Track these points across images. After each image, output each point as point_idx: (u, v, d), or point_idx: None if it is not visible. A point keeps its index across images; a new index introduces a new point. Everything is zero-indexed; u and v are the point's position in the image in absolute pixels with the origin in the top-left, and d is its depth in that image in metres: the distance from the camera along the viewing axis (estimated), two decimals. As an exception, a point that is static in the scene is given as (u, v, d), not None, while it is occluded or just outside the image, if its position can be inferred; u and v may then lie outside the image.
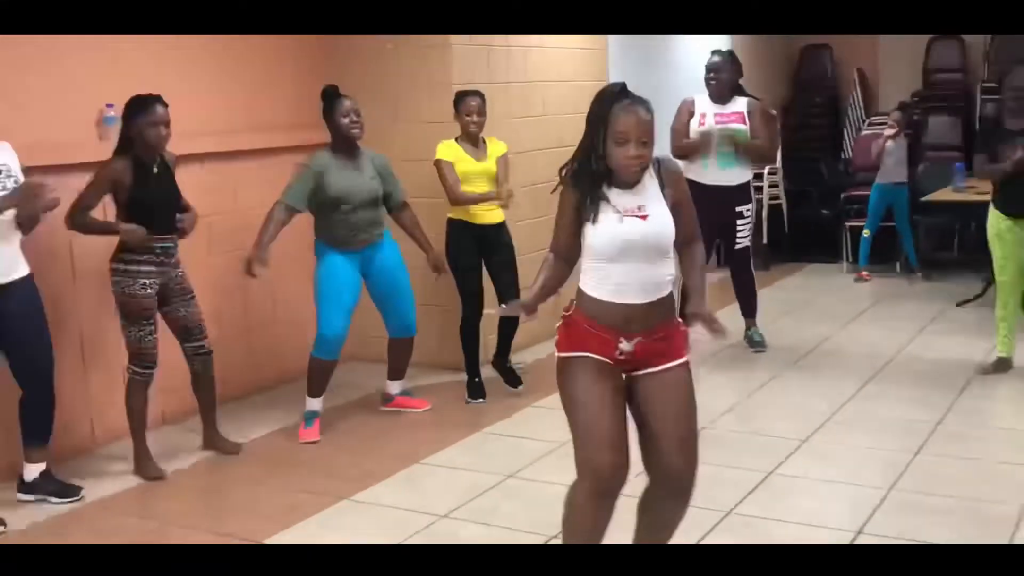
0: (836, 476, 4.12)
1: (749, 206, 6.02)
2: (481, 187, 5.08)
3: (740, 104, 5.91)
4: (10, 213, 3.86)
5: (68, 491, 4.16)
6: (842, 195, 8.51)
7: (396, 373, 5.15)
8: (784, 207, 8.82)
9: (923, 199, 7.55)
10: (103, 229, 4.26)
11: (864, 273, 8.03)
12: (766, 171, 8.50)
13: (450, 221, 5.20)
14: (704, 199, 5.88)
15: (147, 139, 4.18)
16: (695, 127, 5.87)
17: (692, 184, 5.81)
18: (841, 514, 3.74)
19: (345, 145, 4.74)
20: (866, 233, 7.97)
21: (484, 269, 5.28)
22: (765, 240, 8.64)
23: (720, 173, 5.86)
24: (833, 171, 8.94)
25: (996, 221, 5.11)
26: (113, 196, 4.23)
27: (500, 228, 5.22)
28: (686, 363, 2.87)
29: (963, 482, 3.99)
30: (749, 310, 6.21)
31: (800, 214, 8.89)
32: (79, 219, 4.20)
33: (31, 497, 4.12)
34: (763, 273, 8.44)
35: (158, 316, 4.37)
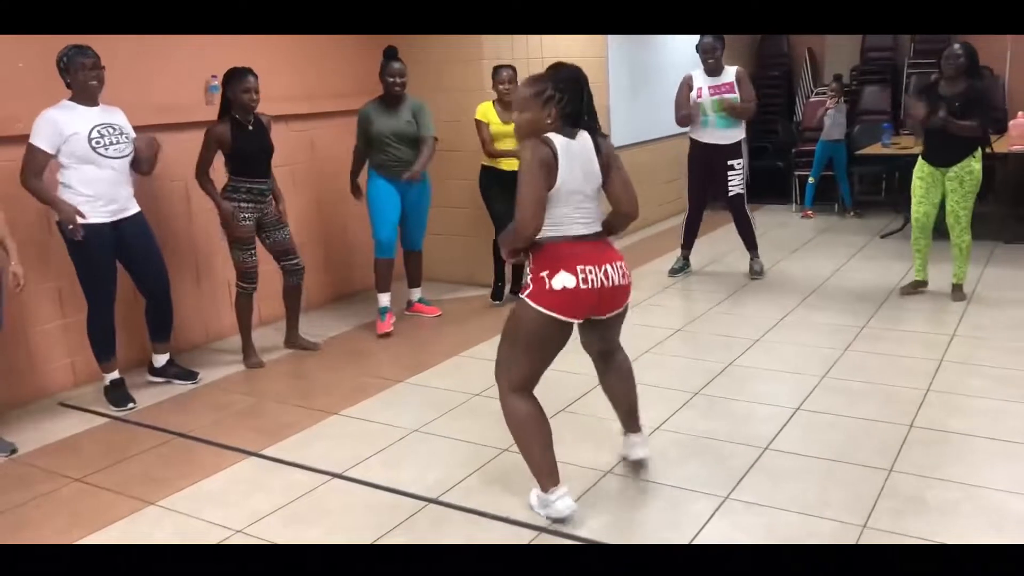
0: (782, 367, 4.18)
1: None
2: (508, 143, 5.10)
3: (730, 74, 5.77)
4: (127, 162, 3.92)
5: (189, 374, 4.31)
6: (793, 150, 8.43)
7: (413, 281, 5.28)
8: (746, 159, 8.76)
9: (857, 152, 7.49)
10: (213, 199, 4.31)
11: (808, 212, 8.00)
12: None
13: (482, 168, 5.26)
14: (702, 154, 5.98)
15: (241, 102, 4.21)
16: (693, 98, 5.78)
17: (694, 143, 5.94)
18: (785, 394, 3.82)
19: (389, 97, 4.84)
20: (811, 180, 7.92)
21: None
22: (730, 186, 8.61)
23: (716, 133, 5.80)
24: (787, 130, 8.84)
25: (920, 167, 5.09)
26: (220, 150, 4.29)
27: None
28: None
29: (881, 372, 4.06)
30: (750, 245, 6.08)
31: (759, 165, 8.81)
32: (202, 179, 4.30)
33: (160, 379, 4.27)
34: (729, 212, 8.46)
35: (257, 242, 4.44)
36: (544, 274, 2.69)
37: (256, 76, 4.24)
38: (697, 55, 5.81)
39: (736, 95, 5.74)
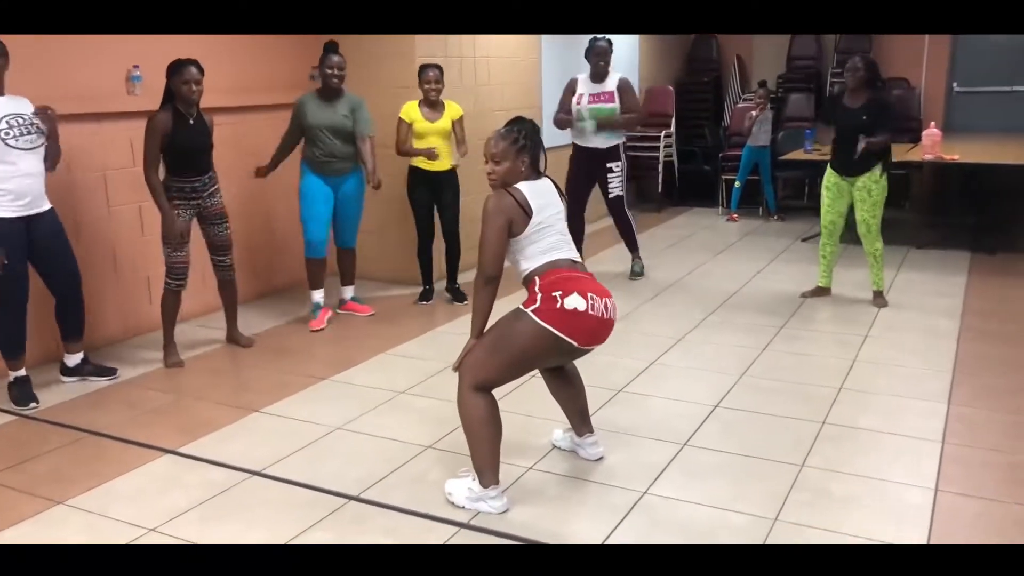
0: (702, 365, 4.28)
1: (618, 163, 5.94)
2: (435, 142, 5.12)
3: (612, 83, 5.76)
4: (39, 154, 3.78)
5: (106, 371, 4.18)
6: (720, 154, 8.63)
7: (347, 279, 5.21)
8: (675, 163, 8.94)
9: (780, 158, 7.71)
10: (159, 203, 4.17)
11: (734, 215, 8.19)
12: (662, 135, 8.58)
13: (410, 168, 5.26)
14: (581, 158, 6.07)
15: (182, 94, 4.10)
16: (574, 104, 5.82)
17: (575, 147, 6.03)
18: (704, 392, 3.91)
19: (326, 90, 4.78)
20: (737, 184, 8.12)
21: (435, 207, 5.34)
22: (660, 189, 8.76)
23: (594, 138, 5.84)
24: (714, 135, 9.04)
25: (828, 176, 5.26)
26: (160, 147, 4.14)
27: (450, 174, 5.27)
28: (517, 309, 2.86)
29: (796, 371, 4.19)
30: (632, 246, 6.18)
31: (687, 168, 9.01)
32: (151, 176, 4.13)
33: (73, 379, 4.12)
34: (656, 215, 8.62)
35: (192, 239, 4.31)
36: (557, 293, 2.76)
37: (200, 68, 4.14)
38: (590, 59, 5.77)
39: (615, 104, 5.75)
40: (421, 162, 5.19)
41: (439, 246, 5.45)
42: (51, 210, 3.89)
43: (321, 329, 4.88)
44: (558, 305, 2.75)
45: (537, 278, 2.85)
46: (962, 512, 2.88)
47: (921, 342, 4.56)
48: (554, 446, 3.38)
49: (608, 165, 5.93)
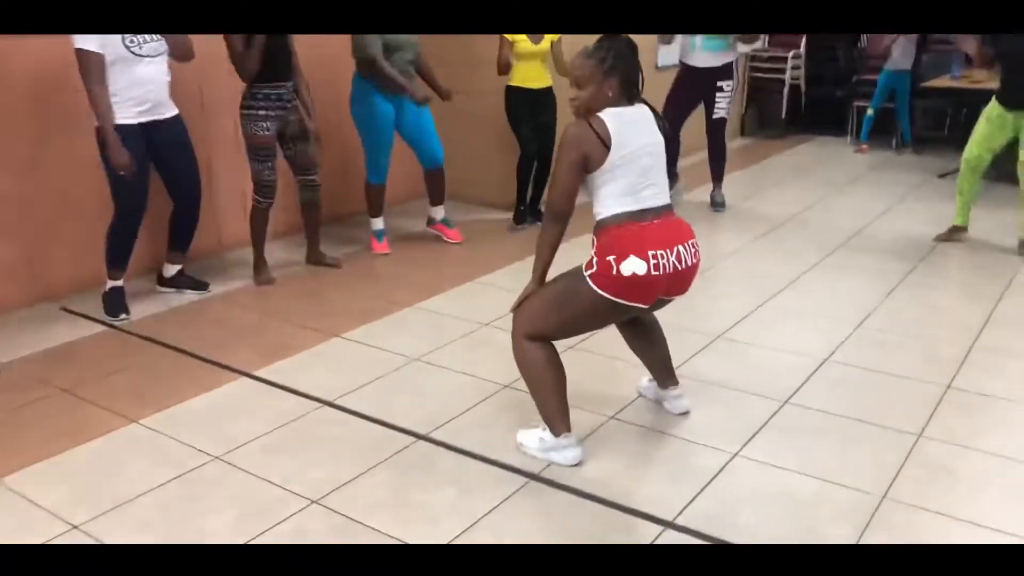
0: (815, 311, 3.86)
1: (730, 82, 5.48)
2: (535, 64, 4.84)
3: None
4: (163, 61, 3.70)
5: (199, 285, 4.16)
6: (853, 79, 7.82)
7: (436, 199, 4.92)
8: (803, 87, 8.19)
9: (923, 84, 6.90)
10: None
11: (863, 146, 7.45)
12: (790, 55, 7.85)
13: (507, 88, 4.96)
14: (692, 77, 5.55)
15: None
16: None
17: (683, 66, 5.50)
18: (815, 343, 3.51)
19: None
20: (869, 112, 7.35)
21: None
22: (784, 115, 8.07)
23: (705, 56, 5.37)
24: (848, 58, 8.18)
25: (992, 107, 4.57)
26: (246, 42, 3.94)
27: (548, 92, 4.95)
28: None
29: (921, 324, 3.72)
30: (718, 175, 5.74)
31: (816, 93, 8.24)
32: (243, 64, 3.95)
33: (170, 289, 4.12)
34: (779, 142, 7.97)
35: (278, 152, 4.19)
36: (611, 258, 2.45)
37: None
38: None
39: None
40: (519, 81, 4.88)
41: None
42: (176, 116, 3.83)
43: (387, 253, 4.72)
44: (614, 271, 2.44)
45: (597, 235, 2.52)
46: (1112, 506, 2.46)
47: (1074, 300, 3.97)
48: (640, 394, 3.11)
49: (719, 83, 5.46)
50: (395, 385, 3.21)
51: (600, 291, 2.47)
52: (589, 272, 2.49)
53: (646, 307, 2.58)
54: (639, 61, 2.56)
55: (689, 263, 2.55)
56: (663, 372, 2.98)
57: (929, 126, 7.78)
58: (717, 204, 5.72)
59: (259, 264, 4.31)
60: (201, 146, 4.48)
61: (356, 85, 4.51)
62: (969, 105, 6.59)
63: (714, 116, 5.58)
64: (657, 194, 2.58)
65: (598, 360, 3.31)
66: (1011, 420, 2.92)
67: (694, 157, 6.49)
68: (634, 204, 2.53)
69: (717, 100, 5.51)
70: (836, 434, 2.84)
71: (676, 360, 3.15)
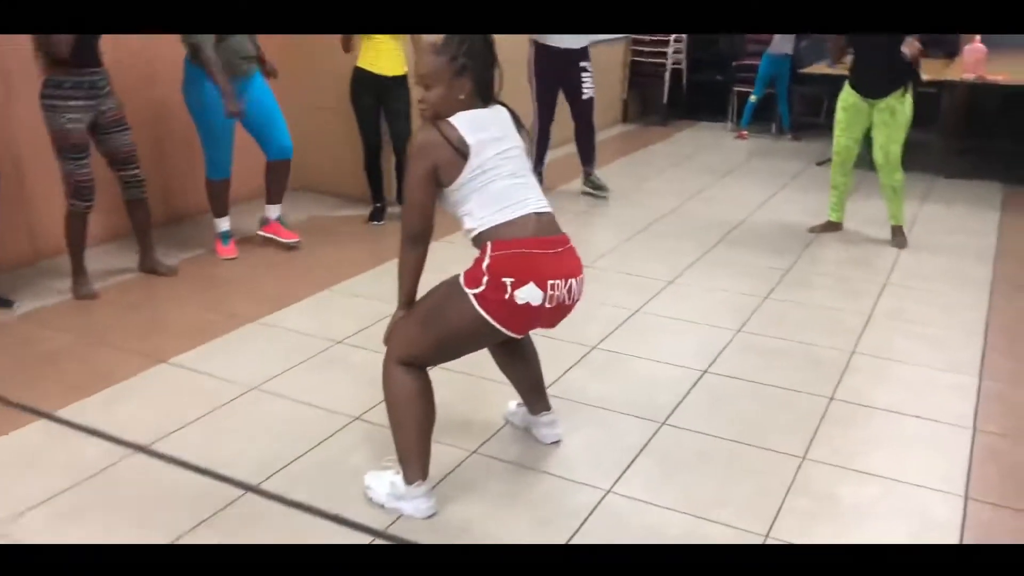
0: (694, 316, 3.62)
1: (589, 63, 5.29)
2: (388, 45, 4.43)
3: None
4: None
5: (1, 302, 3.56)
6: (733, 63, 7.72)
7: (275, 197, 4.35)
8: (684, 72, 8.04)
9: (800, 71, 6.84)
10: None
11: (743, 133, 7.36)
12: (671, 39, 7.67)
13: (355, 69, 4.52)
14: (551, 60, 5.22)
15: None
16: None
17: (542, 48, 5.17)
18: (694, 352, 3.27)
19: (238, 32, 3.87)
20: (752, 98, 7.22)
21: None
22: (665, 100, 7.90)
23: (564, 39, 5.11)
24: (728, 42, 8.07)
25: (845, 96, 4.46)
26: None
27: (400, 80, 4.52)
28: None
29: (802, 326, 3.53)
30: (589, 158, 5.51)
31: (698, 79, 8.11)
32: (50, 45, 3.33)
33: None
34: (660, 128, 7.80)
35: (92, 148, 3.60)
36: (508, 281, 2.09)
37: None
38: None
39: None
40: (367, 63, 4.44)
41: (390, 159, 4.77)
42: None
43: (234, 257, 4.21)
44: (507, 296, 2.09)
45: (490, 246, 2.14)
46: (996, 528, 2.30)
47: (948, 293, 3.89)
48: (507, 421, 2.78)
49: (582, 64, 5.24)
50: (226, 422, 2.76)
51: (484, 313, 2.11)
52: (475, 291, 2.11)
53: (518, 336, 2.26)
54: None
55: (575, 299, 2.24)
56: (534, 395, 2.66)
57: (807, 112, 7.78)
58: (598, 187, 5.49)
59: (78, 275, 3.73)
60: (6, 136, 3.86)
61: (186, 69, 3.95)
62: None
63: (583, 96, 5.31)
64: (536, 199, 2.24)
65: (459, 380, 2.95)
66: (895, 434, 2.74)
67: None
68: (513, 212, 2.17)
69: (584, 80, 5.26)
70: (716, 461, 2.58)
71: (548, 376, 2.84)
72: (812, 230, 4.77)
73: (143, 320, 3.54)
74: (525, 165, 2.26)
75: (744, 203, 5.36)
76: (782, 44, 6.99)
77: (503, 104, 2.28)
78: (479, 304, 2.11)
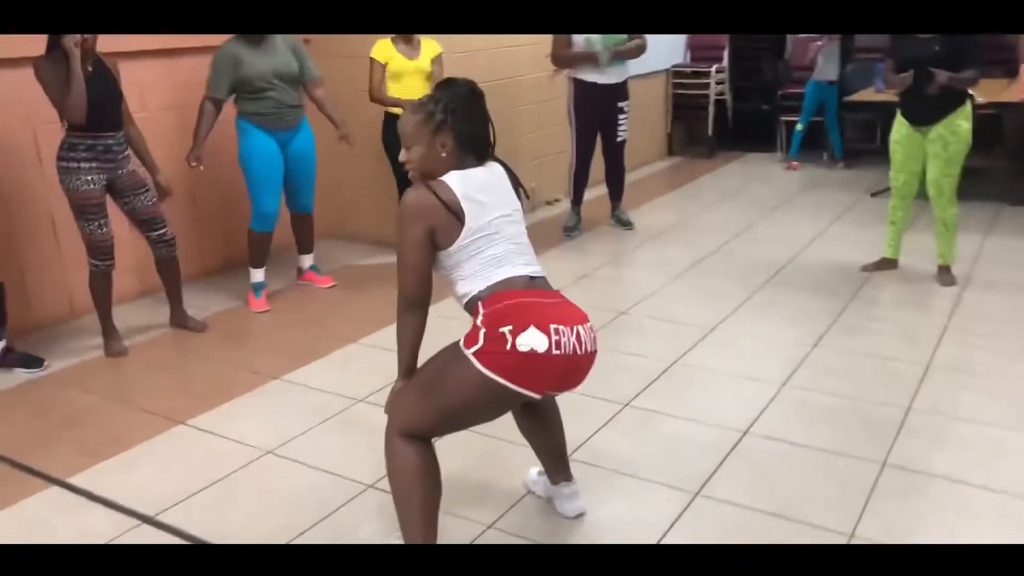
0: (735, 369, 3.38)
1: (628, 102, 5.17)
2: (415, 83, 4.28)
3: None
4: None
5: (31, 361, 3.53)
6: (779, 92, 7.46)
7: (305, 247, 4.42)
8: (729, 102, 7.81)
9: (846, 99, 6.54)
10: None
11: (794, 163, 7.09)
12: (713, 69, 7.45)
13: (385, 115, 4.42)
14: (592, 96, 5.05)
15: (66, 44, 3.25)
16: (578, 39, 4.91)
17: (580, 83, 5.00)
18: (733, 409, 3.03)
19: (253, 34, 3.87)
20: (799, 127, 6.99)
21: None
22: (711, 132, 7.68)
23: (605, 74, 4.98)
24: (773, 69, 7.80)
25: (898, 127, 4.19)
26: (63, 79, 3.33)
27: None
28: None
29: (853, 380, 3.26)
30: (618, 195, 5.45)
31: (743, 108, 7.87)
32: (66, 101, 3.31)
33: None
34: (707, 161, 7.57)
35: (110, 209, 3.56)
36: (506, 330, 1.93)
37: None
38: None
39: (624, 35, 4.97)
40: (397, 109, 4.35)
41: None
42: None
43: (267, 311, 4.15)
44: (508, 346, 1.92)
45: (480, 304, 2.01)
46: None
47: (1016, 338, 3.57)
48: (528, 490, 2.60)
49: (619, 104, 5.11)
50: (234, 490, 2.64)
51: (487, 372, 1.93)
52: (473, 349, 1.96)
53: (536, 396, 2.07)
54: (485, 110, 2.07)
55: (588, 349, 2.05)
56: (555, 464, 2.47)
57: (860, 138, 7.46)
58: (624, 222, 5.41)
59: (108, 333, 3.70)
60: (40, 199, 3.88)
61: (237, 119, 4.01)
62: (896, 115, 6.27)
63: (618, 139, 5.21)
64: (528, 262, 2.09)
65: (479, 442, 2.78)
66: (956, 508, 2.46)
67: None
68: (505, 273, 2.03)
69: (619, 122, 5.15)
70: (752, 540, 2.36)
71: (576, 437, 2.68)
72: (865, 268, 4.49)
73: (168, 379, 3.48)
74: (522, 229, 2.13)
75: (794, 239, 5.09)
76: (827, 69, 6.72)
77: (500, 162, 2.15)
78: (480, 363, 1.94)
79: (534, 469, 2.59)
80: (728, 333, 3.74)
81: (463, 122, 2.02)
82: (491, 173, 2.08)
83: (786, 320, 3.86)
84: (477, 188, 2.02)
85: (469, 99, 2.04)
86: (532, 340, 1.91)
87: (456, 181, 2.01)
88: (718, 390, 3.22)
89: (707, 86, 7.50)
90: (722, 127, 7.77)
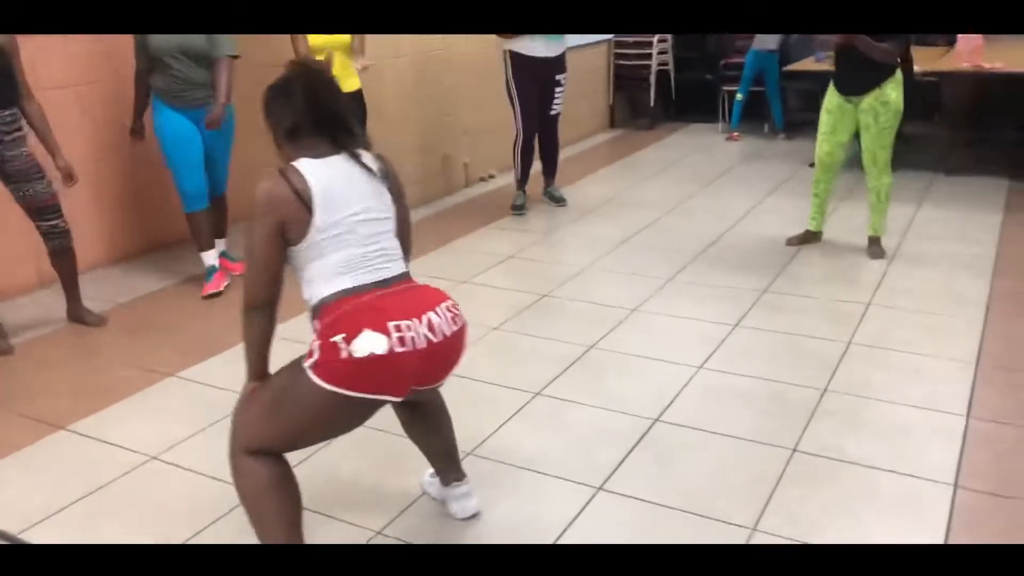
0: (653, 351, 3.25)
1: (566, 75, 5.05)
2: (337, 59, 4.04)
3: None
4: None
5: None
6: (722, 62, 7.32)
7: (218, 232, 4.13)
8: (672, 72, 7.66)
9: (786, 68, 6.42)
10: None
11: (735, 134, 6.99)
12: (655, 39, 7.29)
13: None
14: (529, 68, 4.87)
15: None
16: None
17: (518, 56, 4.81)
18: (645, 396, 2.91)
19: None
20: (739, 96, 6.88)
21: None
22: (652, 103, 7.53)
23: (538, 46, 4.84)
24: (715, 39, 7.69)
25: (829, 96, 4.10)
26: None
27: (355, 95, 4.20)
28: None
29: (772, 360, 3.16)
30: (551, 170, 5.33)
31: (686, 78, 7.73)
32: None
33: None
34: (649, 132, 7.43)
35: None
36: (339, 338, 1.77)
37: None
38: None
39: None
40: None
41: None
42: None
43: (218, 293, 3.95)
44: (343, 354, 1.76)
45: (319, 313, 1.86)
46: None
47: (938, 315, 3.49)
48: (424, 491, 2.46)
49: (557, 77, 4.98)
50: (113, 500, 2.46)
51: (327, 385, 1.78)
52: (309, 363, 1.80)
53: (397, 398, 1.92)
54: (334, 94, 1.91)
55: (446, 332, 1.89)
56: (445, 463, 2.33)
57: (801, 108, 7.36)
58: (556, 199, 5.28)
59: (-12, 329, 3.48)
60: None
61: (152, 95, 3.81)
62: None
63: (551, 112, 5.07)
64: (390, 262, 1.93)
65: (375, 439, 2.63)
66: (863, 496, 2.37)
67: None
68: (351, 281, 1.87)
69: (556, 95, 5.01)
70: (650, 537, 2.23)
71: (480, 431, 2.56)
72: (790, 242, 4.40)
73: (56, 379, 3.25)
74: (383, 228, 1.94)
75: (727, 213, 4.99)
76: (767, 39, 6.60)
77: (371, 153, 1.97)
78: (317, 376, 1.78)
79: (428, 470, 2.44)
80: (650, 314, 3.62)
81: (290, 111, 1.87)
82: (350, 165, 1.91)
83: (710, 299, 3.75)
84: (330, 177, 1.85)
85: (304, 87, 1.87)
86: (368, 344, 1.75)
87: (308, 167, 1.84)
88: (632, 376, 3.10)
89: (649, 56, 7.34)
90: (664, 98, 7.63)
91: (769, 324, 3.47)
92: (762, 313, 3.58)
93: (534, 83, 4.92)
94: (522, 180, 5.16)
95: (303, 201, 1.81)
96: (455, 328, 1.92)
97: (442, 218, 5.16)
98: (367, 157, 1.94)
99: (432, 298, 1.92)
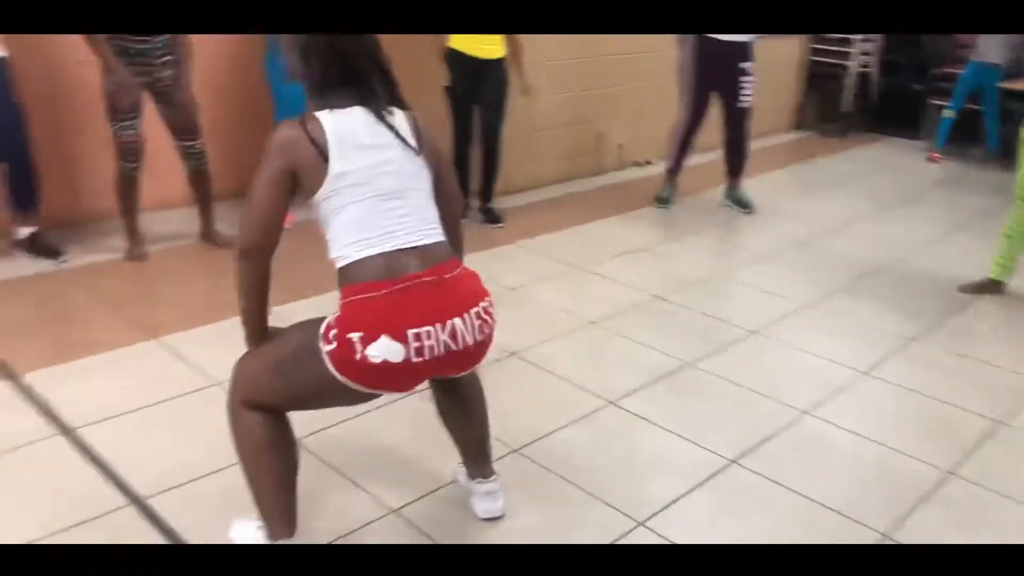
0: (761, 386, 2.85)
1: (751, 64, 4.50)
2: None
3: None
4: None
5: (52, 252, 3.55)
6: (933, 71, 6.45)
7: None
8: (875, 76, 6.86)
9: (1001, 84, 5.53)
10: (106, 59, 3.31)
11: (936, 154, 6.15)
12: (858, 38, 6.54)
13: (448, 51, 4.04)
14: (711, 55, 4.42)
15: None
16: None
17: (700, 40, 4.36)
18: (728, 435, 2.55)
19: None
20: (948, 113, 6.02)
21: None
22: (846, 108, 6.79)
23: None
24: (932, 44, 6.76)
25: None
26: None
27: (497, 63, 4.02)
28: None
29: (897, 422, 2.68)
30: (737, 170, 4.78)
31: (890, 84, 6.89)
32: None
33: (26, 254, 3.54)
34: (838, 140, 6.72)
35: (144, 112, 3.47)
36: (355, 336, 1.64)
37: None
38: None
39: None
40: (461, 44, 3.96)
41: (478, 153, 4.28)
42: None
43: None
44: (357, 356, 1.62)
45: (341, 291, 1.70)
46: None
47: None
48: (455, 479, 2.28)
49: (741, 65, 4.47)
50: (170, 416, 2.49)
51: (340, 376, 1.67)
52: (327, 348, 1.66)
53: (404, 393, 1.78)
54: (356, 51, 1.76)
55: (469, 342, 1.71)
56: (473, 457, 2.15)
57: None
58: (743, 204, 4.76)
59: (131, 236, 3.65)
60: (66, 96, 3.81)
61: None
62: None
63: (740, 104, 4.58)
64: (414, 230, 1.74)
65: (426, 409, 2.37)
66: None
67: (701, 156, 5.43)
68: (380, 244, 1.70)
69: (743, 85, 4.51)
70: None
71: (538, 429, 2.33)
72: (964, 289, 3.76)
73: (168, 292, 3.37)
74: (411, 185, 1.76)
75: (899, 244, 4.37)
76: (990, 50, 5.69)
77: (401, 109, 1.81)
78: (331, 364, 1.65)
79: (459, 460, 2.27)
80: (769, 340, 3.21)
81: (321, 57, 1.73)
82: (373, 119, 1.74)
83: (846, 336, 3.27)
84: (351, 128, 1.71)
85: (335, 36, 1.73)
86: (384, 351, 1.62)
87: (327, 117, 1.70)
88: (723, 406, 2.74)
89: (847, 55, 6.60)
90: (862, 104, 6.86)
91: (906, 379, 2.96)
92: (902, 365, 3.07)
93: (712, 70, 4.49)
94: (673, 170, 4.79)
95: (318, 148, 1.68)
96: (480, 338, 1.74)
97: (582, 197, 4.89)
98: (398, 115, 1.79)
99: (461, 299, 1.73)
